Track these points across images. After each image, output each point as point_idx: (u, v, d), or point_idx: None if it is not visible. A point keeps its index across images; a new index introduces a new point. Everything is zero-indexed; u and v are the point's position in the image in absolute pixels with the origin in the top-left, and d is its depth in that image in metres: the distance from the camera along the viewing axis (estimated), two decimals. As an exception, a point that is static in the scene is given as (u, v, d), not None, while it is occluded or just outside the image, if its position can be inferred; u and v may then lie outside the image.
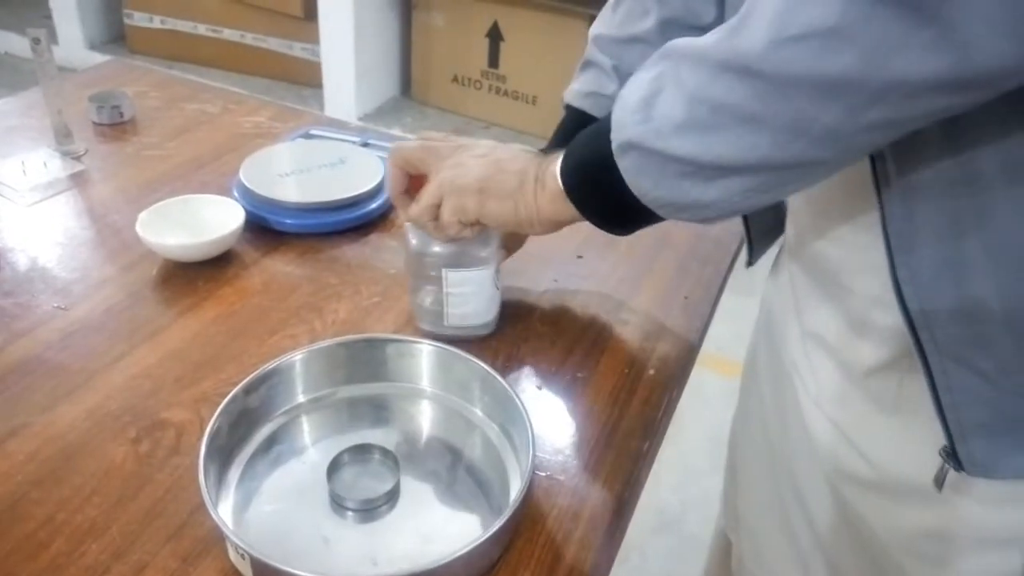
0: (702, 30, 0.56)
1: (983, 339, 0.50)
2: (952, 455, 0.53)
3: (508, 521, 0.54)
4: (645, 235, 0.95)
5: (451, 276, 0.72)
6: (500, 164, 0.67)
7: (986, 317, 0.49)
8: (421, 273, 0.73)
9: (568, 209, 0.64)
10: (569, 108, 0.80)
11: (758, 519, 0.82)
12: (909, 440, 0.58)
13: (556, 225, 0.68)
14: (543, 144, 0.77)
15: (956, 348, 0.50)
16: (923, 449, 0.56)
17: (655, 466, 0.69)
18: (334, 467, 0.61)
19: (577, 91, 0.79)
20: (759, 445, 0.79)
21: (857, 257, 0.58)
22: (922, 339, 0.51)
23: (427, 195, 0.69)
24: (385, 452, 0.62)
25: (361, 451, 0.63)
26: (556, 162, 0.64)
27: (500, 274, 0.75)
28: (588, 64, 0.78)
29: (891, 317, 0.53)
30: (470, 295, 0.73)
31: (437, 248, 0.71)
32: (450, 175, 0.68)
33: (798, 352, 0.68)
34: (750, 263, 0.79)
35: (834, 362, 0.63)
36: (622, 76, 0.75)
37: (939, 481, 0.55)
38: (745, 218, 0.75)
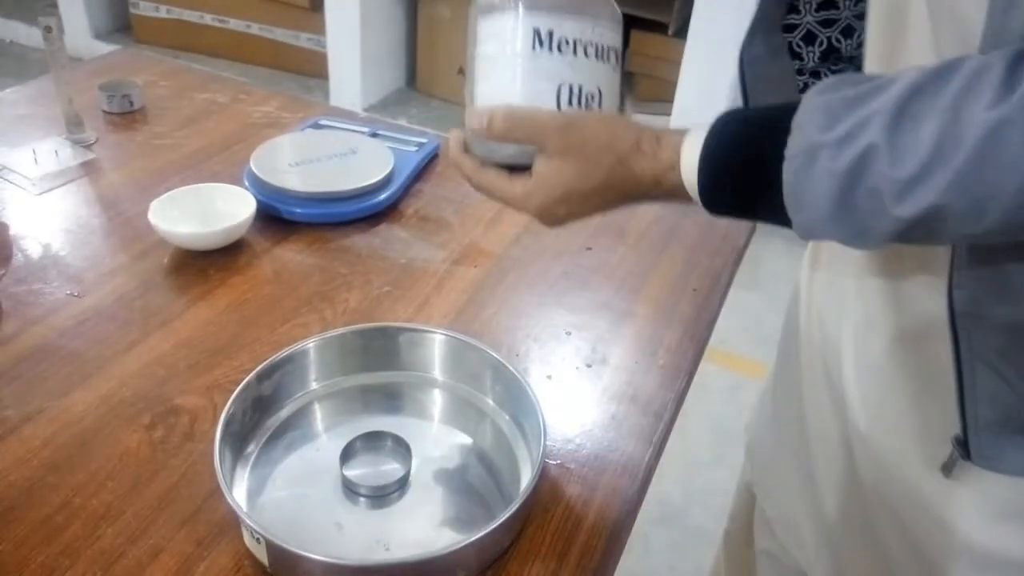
0: None
1: (1017, 351, 0.52)
2: (963, 445, 0.54)
3: (519, 509, 0.55)
4: (654, 228, 0.96)
5: (481, 26, 0.58)
6: (609, 194, 0.57)
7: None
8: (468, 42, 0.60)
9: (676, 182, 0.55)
10: None
11: (778, 477, 0.83)
12: (927, 421, 0.59)
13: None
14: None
15: (989, 354, 0.52)
16: (937, 432, 0.57)
17: (660, 458, 0.70)
18: (347, 454, 0.62)
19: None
20: (786, 411, 0.80)
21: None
22: (960, 339, 0.52)
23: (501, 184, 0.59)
24: (397, 439, 0.63)
25: (374, 438, 0.63)
26: (688, 143, 0.54)
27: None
28: None
29: (938, 306, 0.54)
30: (496, 57, 0.58)
31: None
32: (545, 216, 0.59)
33: (842, 327, 0.69)
34: None
35: (878, 335, 0.64)
36: None
37: (948, 468, 0.57)
38: (743, 81, 0.71)
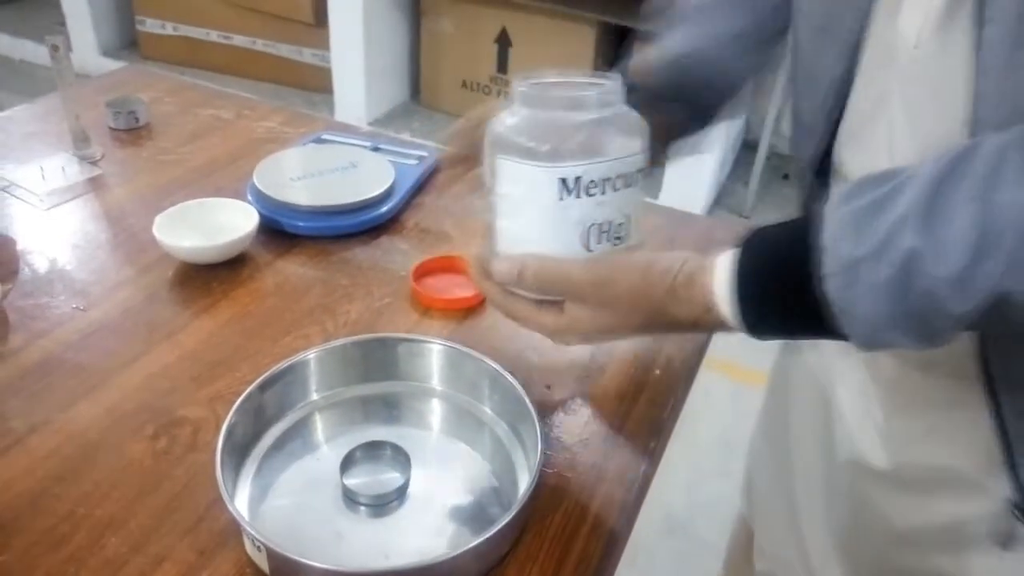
0: None
1: None
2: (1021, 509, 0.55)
3: (517, 516, 0.55)
4: (653, 236, 0.97)
5: (503, 167, 0.56)
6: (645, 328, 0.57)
7: None
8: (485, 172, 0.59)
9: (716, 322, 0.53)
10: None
11: (767, 512, 0.84)
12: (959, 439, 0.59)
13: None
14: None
15: None
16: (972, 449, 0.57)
17: (663, 469, 0.70)
18: (347, 463, 0.62)
19: (662, 56, 0.71)
20: (781, 441, 0.80)
21: None
22: (1002, 404, 0.53)
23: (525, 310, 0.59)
24: (397, 449, 0.64)
25: (373, 448, 0.64)
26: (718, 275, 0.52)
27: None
28: None
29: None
30: (520, 201, 0.57)
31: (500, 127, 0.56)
32: (563, 331, 0.58)
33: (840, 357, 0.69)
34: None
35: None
36: None
37: (1007, 541, 0.57)
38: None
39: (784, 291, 0.49)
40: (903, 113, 0.54)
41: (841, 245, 0.45)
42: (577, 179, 0.55)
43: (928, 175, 0.44)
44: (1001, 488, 0.56)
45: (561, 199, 0.55)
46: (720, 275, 0.51)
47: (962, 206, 0.42)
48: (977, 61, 0.46)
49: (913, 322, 0.45)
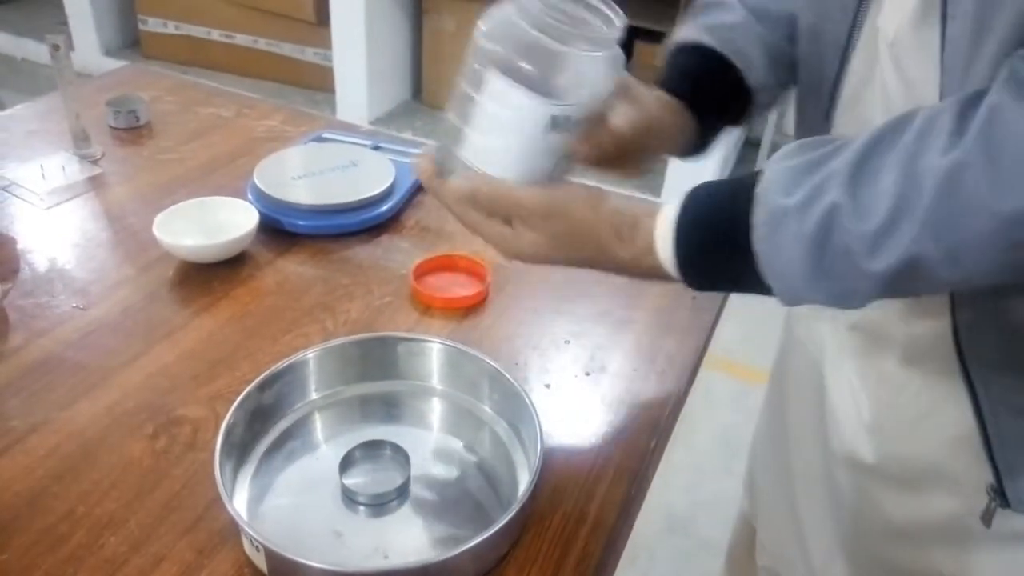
0: None
1: None
2: (1000, 493, 0.55)
3: (516, 515, 0.55)
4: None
5: (491, 84, 0.54)
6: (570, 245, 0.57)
7: None
8: (466, 67, 0.56)
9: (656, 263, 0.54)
10: (678, 51, 0.70)
11: (767, 506, 0.84)
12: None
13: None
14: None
15: (1010, 399, 0.53)
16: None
17: (665, 468, 0.70)
18: (346, 463, 0.62)
19: (695, 26, 0.69)
20: (781, 438, 0.80)
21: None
22: (976, 389, 0.53)
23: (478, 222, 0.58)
24: (396, 448, 0.64)
25: (373, 447, 0.64)
26: (659, 221, 0.54)
27: (564, 160, 0.59)
28: (707, 4, 0.71)
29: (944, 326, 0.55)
30: (504, 125, 0.55)
31: (500, 35, 0.54)
32: (509, 248, 0.58)
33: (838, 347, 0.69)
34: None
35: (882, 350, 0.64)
36: (748, 7, 0.68)
37: (987, 518, 0.57)
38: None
39: (719, 240, 0.51)
40: (882, 108, 0.55)
41: (772, 196, 0.47)
42: (567, 118, 0.55)
43: (864, 138, 0.46)
44: (983, 479, 0.56)
45: (546, 134, 0.55)
46: (663, 221, 0.53)
47: (887, 167, 0.44)
48: (942, 58, 0.47)
49: (830, 279, 0.46)
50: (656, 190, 2.57)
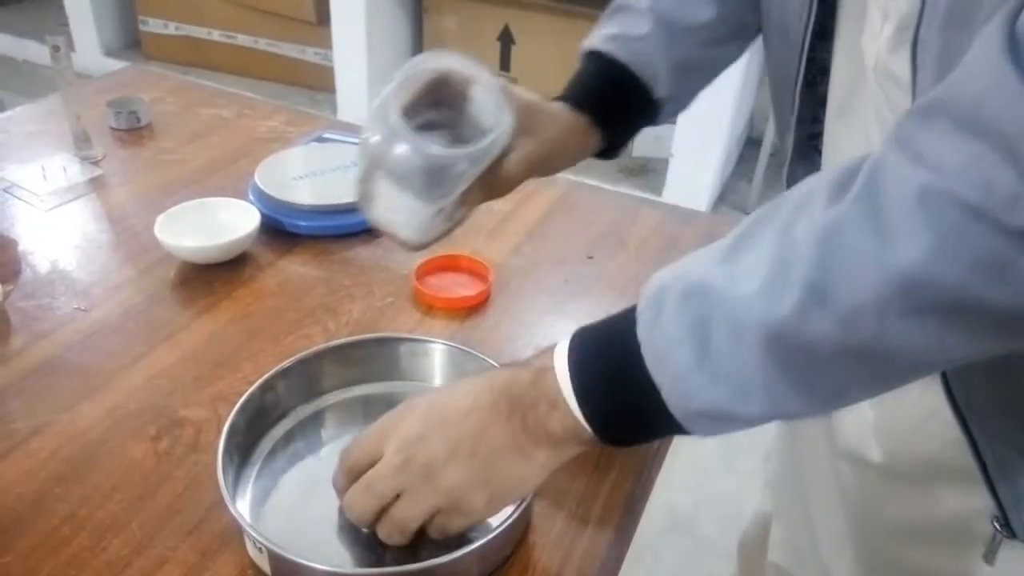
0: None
1: None
2: (1005, 524, 0.54)
3: (519, 517, 0.55)
4: (654, 236, 0.97)
5: (381, 185, 0.60)
6: (477, 447, 0.51)
7: None
8: (362, 144, 0.60)
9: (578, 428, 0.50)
10: (589, 55, 0.70)
11: (785, 503, 0.84)
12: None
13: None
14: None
15: (1007, 434, 0.52)
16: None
17: (668, 467, 0.70)
18: None
19: (602, 34, 0.70)
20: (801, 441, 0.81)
21: None
22: (972, 429, 0.53)
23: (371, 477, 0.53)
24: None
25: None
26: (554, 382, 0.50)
27: (459, 207, 0.63)
28: (618, 8, 0.71)
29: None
30: (399, 209, 0.62)
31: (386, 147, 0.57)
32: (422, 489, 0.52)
33: None
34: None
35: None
36: (657, 17, 0.68)
37: (991, 552, 0.56)
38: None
39: (610, 355, 0.48)
40: (876, 128, 0.55)
41: (652, 286, 0.46)
42: (454, 202, 0.61)
43: (740, 225, 0.45)
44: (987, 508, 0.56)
45: (436, 215, 0.62)
46: (559, 349, 0.51)
47: (760, 242, 0.42)
48: (913, 87, 0.46)
49: (718, 362, 0.42)
50: (658, 189, 2.57)
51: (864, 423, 0.65)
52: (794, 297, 0.39)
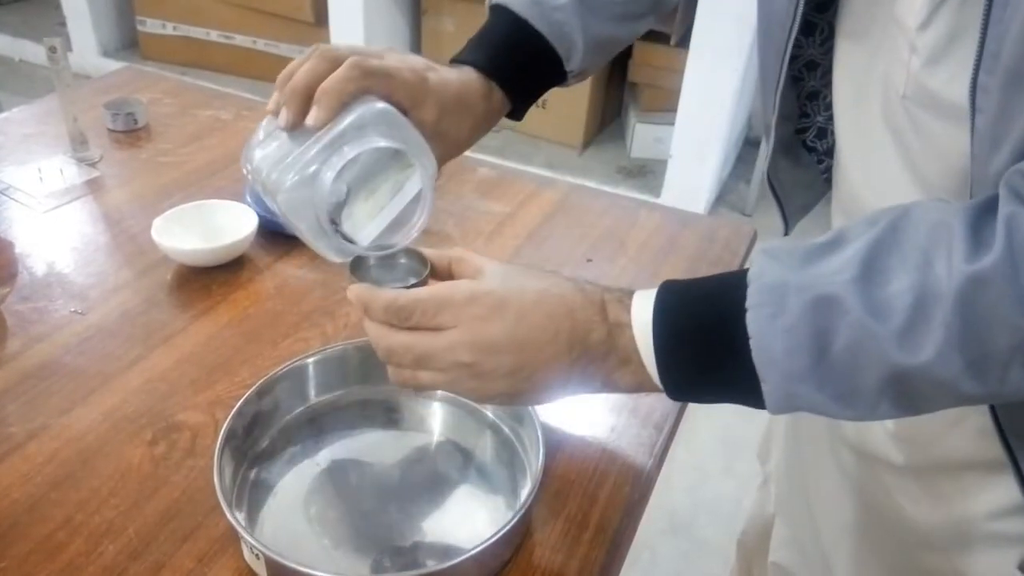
0: None
1: None
2: None
3: (519, 521, 0.55)
4: (654, 238, 0.96)
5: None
6: (533, 377, 0.51)
7: None
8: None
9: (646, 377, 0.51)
10: (501, 11, 0.67)
11: (789, 502, 0.83)
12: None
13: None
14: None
15: None
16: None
17: (667, 469, 0.69)
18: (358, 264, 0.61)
19: None
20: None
21: None
22: (1019, 462, 0.53)
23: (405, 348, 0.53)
24: (410, 253, 0.62)
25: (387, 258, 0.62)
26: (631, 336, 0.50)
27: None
28: None
29: None
30: (300, 230, 0.65)
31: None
32: (464, 386, 0.52)
33: None
34: (786, 234, 0.75)
35: None
36: None
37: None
38: (775, 192, 0.71)
39: (702, 330, 0.47)
40: (901, 164, 0.54)
41: (768, 274, 0.44)
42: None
43: (866, 239, 0.43)
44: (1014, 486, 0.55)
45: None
46: (638, 307, 0.50)
47: (897, 271, 0.42)
48: (972, 126, 0.45)
49: (829, 370, 0.43)
50: (656, 190, 2.57)
51: (883, 430, 0.64)
52: (933, 349, 0.41)
